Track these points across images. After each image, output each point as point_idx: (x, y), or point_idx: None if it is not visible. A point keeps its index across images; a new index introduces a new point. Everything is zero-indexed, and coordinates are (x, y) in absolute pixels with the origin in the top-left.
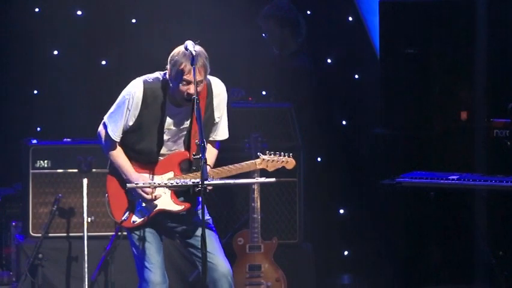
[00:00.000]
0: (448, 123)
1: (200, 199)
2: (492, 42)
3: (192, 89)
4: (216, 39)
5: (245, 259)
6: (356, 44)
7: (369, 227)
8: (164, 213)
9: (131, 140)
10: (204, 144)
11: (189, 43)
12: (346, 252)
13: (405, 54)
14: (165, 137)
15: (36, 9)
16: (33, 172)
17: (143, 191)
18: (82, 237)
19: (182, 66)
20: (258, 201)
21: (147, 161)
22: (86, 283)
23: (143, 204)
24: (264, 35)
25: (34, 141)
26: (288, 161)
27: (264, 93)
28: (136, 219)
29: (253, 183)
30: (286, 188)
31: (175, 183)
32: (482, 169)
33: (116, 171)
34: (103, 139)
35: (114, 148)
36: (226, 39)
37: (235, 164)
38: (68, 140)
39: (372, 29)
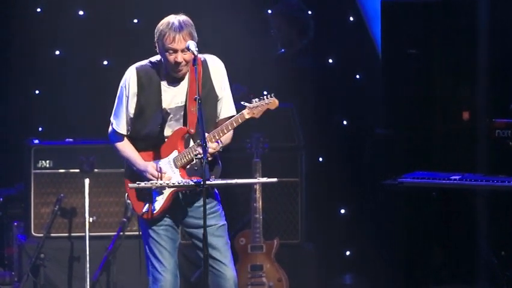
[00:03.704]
0: (450, 123)
1: (207, 171)
2: (494, 42)
3: (179, 57)
4: (217, 36)
5: (247, 259)
6: (357, 44)
7: (370, 227)
8: (177, 201)
9: (137, 127)
10: (206, 144)
11: (191, 43)
12: (348, 252)
13: (407, 54)
14: (167, 117)
15: (38, 9)
16: (35, 172)
17: (151, 174)
18: (83, 237)
19: (166, 36)
20: (260, 201)
21: (155, 145)
22: (88, 283)
23: (158, 191)
24: (271, 30)
25: (36, 141)
26: (271, 102)
27: (265, 93)
28: (155, 207)
29: (255, 183)
30: (288, 188)
31: (176, 184)
32: (484, 169)
33: (131, 172)
34: (111, 136)
35: (120, 141)
36: (228, 36)
37: (226, 123)
38: (70, 140)
39: (375, 29)
